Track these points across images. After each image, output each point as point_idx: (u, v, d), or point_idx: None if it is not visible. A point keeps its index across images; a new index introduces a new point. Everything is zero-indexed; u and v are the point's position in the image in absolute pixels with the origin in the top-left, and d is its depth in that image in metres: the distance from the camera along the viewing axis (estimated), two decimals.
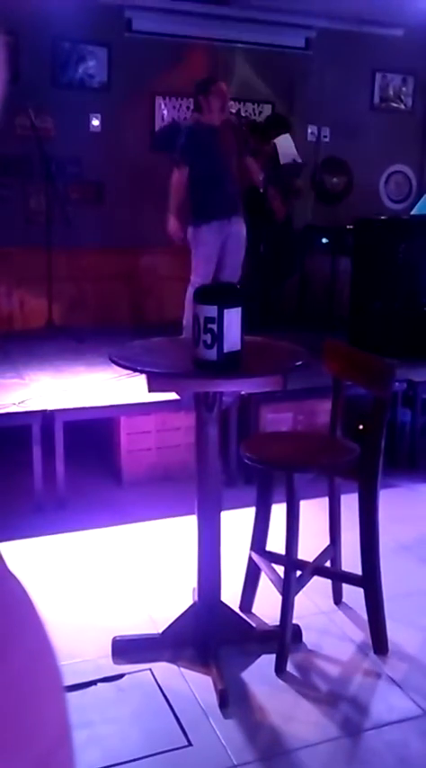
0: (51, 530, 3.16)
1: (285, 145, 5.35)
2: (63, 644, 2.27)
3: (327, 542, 2.54)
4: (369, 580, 2.33)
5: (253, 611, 2.55)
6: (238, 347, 2.00)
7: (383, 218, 5.29)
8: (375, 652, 2.34)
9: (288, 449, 2.43)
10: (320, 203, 6.35)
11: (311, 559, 2.41)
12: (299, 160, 5.43)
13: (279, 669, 2.24)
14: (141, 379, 2.12)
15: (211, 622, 2.29)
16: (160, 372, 2.07)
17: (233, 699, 2.10)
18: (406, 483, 3.79)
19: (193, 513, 2.27)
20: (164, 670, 2.24)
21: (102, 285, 5.67)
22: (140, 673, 2.23)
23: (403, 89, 6.56)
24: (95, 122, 5.61)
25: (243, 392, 3.56)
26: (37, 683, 0.50)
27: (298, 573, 2.30)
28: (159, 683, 2.18)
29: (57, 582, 2.76)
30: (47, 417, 3.39)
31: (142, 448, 3.70)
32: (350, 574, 2.45)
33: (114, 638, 2.33)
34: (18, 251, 5.32)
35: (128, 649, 2.31)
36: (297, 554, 2.28)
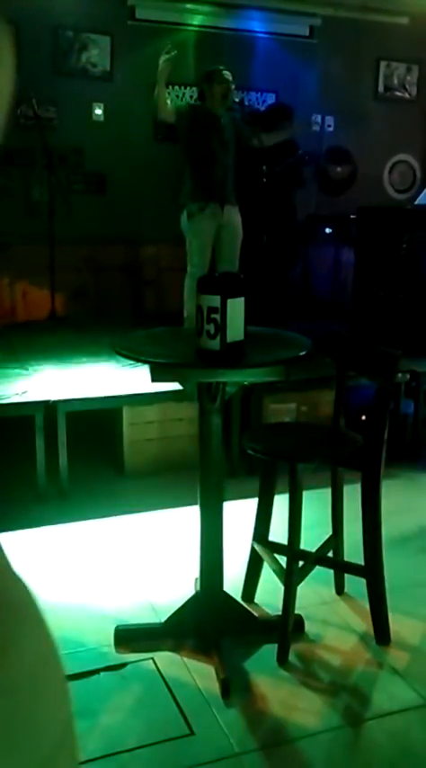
0: (54, 520, 3.16)
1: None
2: (66, 633, 2.28)
3: (329, 533, 2.54)
4: (372, 570, 2.34)
5: (255, 601, 2.55)
6: (241, 337, 1.99)
7: (387, 207, 5.26)
8: (377, 642, 2.35)
9: (290, 439, 2.43)
10: (323, 193, 6.32)
11: (313, 550, 2.41)
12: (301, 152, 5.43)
13: (281, 659, 2.24)
14: (144, 370, 2.11)
15: (213, 612, 2.29)
16: (163, 362, 2.07)
17: (235, 688, 2.11)
18: (409, 474, 3.79)
19: (196, 504, 2.27)
20: (167, 659, 2.24)
21: (104, 276, 5.66)
22: (142, 662, 2.23)
23: (408, 78, 6.52)
24: (98, 111, 5.59)
25: (246, 382, 3.55)
26: (41, 684, 0.50)
27: (301, 563, 2.30)
28: (161, 671, 2.19)
29: (59, 572, 2.77)
30: (49, 408, 3.39)
31: (145, 438, 3.70)
32: (352, 564, 2.45)
33: (116, 627, 2.34)
34: (20, 242, 5.31)
35: (130, 638, 2.32)
36: (299, 544, 2.28)
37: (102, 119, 5.61)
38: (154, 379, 2.09)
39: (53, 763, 0.49)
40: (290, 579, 2.25)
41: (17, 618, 0.50)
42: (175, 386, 3.16)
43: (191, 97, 5.49)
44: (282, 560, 2.35)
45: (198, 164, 4.31)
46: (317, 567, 2.42)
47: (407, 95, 6.55)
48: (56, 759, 0.49)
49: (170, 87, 5.70)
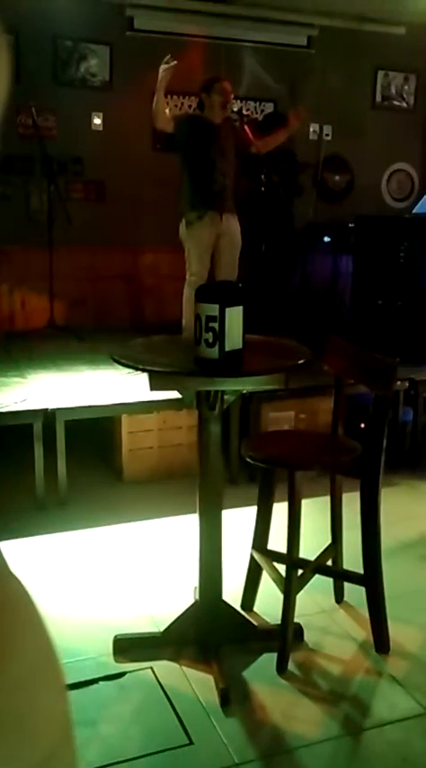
0: (53, 528, 3.16)
1: None
2: (64, 642, 2.28)
3: (329, 541, 2.54)
4: (371, 579, 2.33)
5: (255, 609, 2.55)
6: (240, 346, 2.00)
7: (385, 216, 5.28)
8: (376, 651, 2.34)
9: (289, 447, 2.43)
10: (322, 202, 6.34)
11: (312, 558, 2.41)
12: None
13: (281, 668, 2.24)
14: (143, 378, 2.12)
15: (212, 621, 2.29)
16: (162, 371, 2.07)
17: (234, 697, 2.10)
18: (408, 481, 3.79)
19: (195, 512, 2.27)
20: (166, 668, 2.24)
21: (103, 284, 5.67)
22: (141, 671, 2.23)
23: (405, 87, 6.55)
24: (97, 121, 5.61)
25: (244, 391, 3.56)
26: (39, 685, 0.50)
27: (300, 571, 2.30)
28: (160, 681, 2.18)
29: (58, 580, 2.76)
30: (48, 416, 3.39)
31: (143, 446, 3.70)
32: (351, 572, 2.45)
33: (116, 636, 2.33)
34: (19, 250, 5.32)
35: (129, 648, 2.31)
36: (298, 553, 2.28)
37: (101, 128, 5.63)
38: (152, 388, 2.09)
39: (54, 761, 0.49)
40: (289, 588, 2.24)
41: (15, 619, 0.50)
42: (174, 394, 3.16)
43: (190, 107, 5.51)
44: (281, 569, 2.34)
45: (196, 173, 4.33)
46: (316, 575, 2.42)
47: (405, 105, 6.58)
48: (53, 762, 0.49)
49: (169, 96, 5.73)
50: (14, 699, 0.46)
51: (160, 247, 5.54)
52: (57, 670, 0.53)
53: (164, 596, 2.63)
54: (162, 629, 2.35)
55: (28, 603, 0.52)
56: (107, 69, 5.59)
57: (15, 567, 0.52)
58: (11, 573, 0.51)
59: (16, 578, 0.52)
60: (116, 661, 2.27)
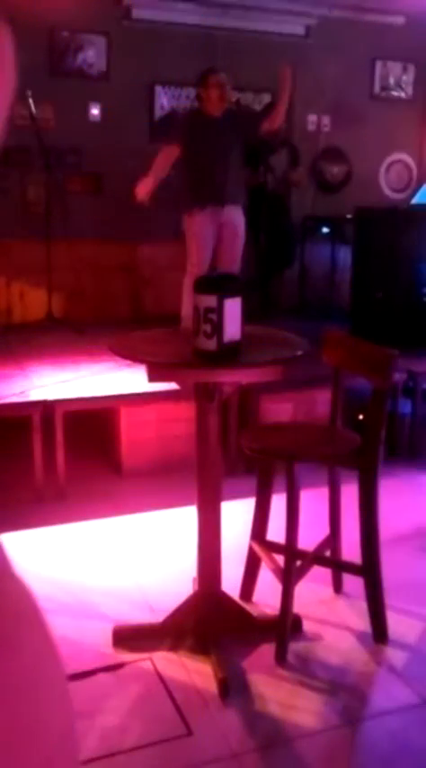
0: (52, 520, 3.16)
1: None
2: (64, 633, 2.28)
3: (327, 532, 2.54)
4: (369, 569, 2.34)
5: (253, 600, 2.55)
6: (238, 337, 1.99)
7: (384, 207, 5.27)
8: (375, 641, 2.35)
9: (288, 439, 2.43)
10: (320, 193, 6.32)
11: (311, 549, 2.41)
12: None
13: (279, 658, 2.25)
14: (141, 370, 2.12)
15: (211, 611, 2.29)
16: (160, 362, 2.07)
17: (233, 688, 2.11)
18: (406, 473, 3.79)
19: (193, 504, 2.27)
20: (165, 659, 2.25)
21: (102, 276, 5.66)
22: (140, 662, 2.23)
23: (404, 77, 6.52)
24: (94, 112, 5.58)
25: (242, 382, 3.55)
26: (41, 684, 0.50)
27: (298, 562, 2.30)
28: (159, 671, 2.19)
29: (57, 572, 2.77)
30: (47, 408, 3.38)
31: (142, 438, 3.70)
32: (349, 563, 2.46)
33: (114, 627, 2.34)
34: (17, 242, 5.30)
35: (128, 638, 2.32)
36: (297, 543, 2.28)
37: (98, 119, 5.60)
38: (151, 379, 2.09)
39: (56, 759, 0.49)
40: (288, 578, 2.25)
41: (17, 619, 0.50)
42: (173, 386, 3.16)
43: (188, 97, 5.49)
44: (280, 559, 2.35)
45: (198, 166, 4.31)
46: (315, 566, 2.42)
47: (403, 95, 6.55)
48: (56, 760, 0.49)
49: (166, 87, 5.70)
50: (15, 701, 0.47)
51: (159, 239, 5.52)
52: (58, 671, 0.53)
53: (163, 587, 2.64)
54: (161, 619, 2.36)
55: (30, 604, 0.52)
56: (104, 59, 5.56)
57: (15, 560, 0.52)
58: (13, 573, 0.51)
59: (18, 578, 0.52)
60: (115, 652, 2.28)
